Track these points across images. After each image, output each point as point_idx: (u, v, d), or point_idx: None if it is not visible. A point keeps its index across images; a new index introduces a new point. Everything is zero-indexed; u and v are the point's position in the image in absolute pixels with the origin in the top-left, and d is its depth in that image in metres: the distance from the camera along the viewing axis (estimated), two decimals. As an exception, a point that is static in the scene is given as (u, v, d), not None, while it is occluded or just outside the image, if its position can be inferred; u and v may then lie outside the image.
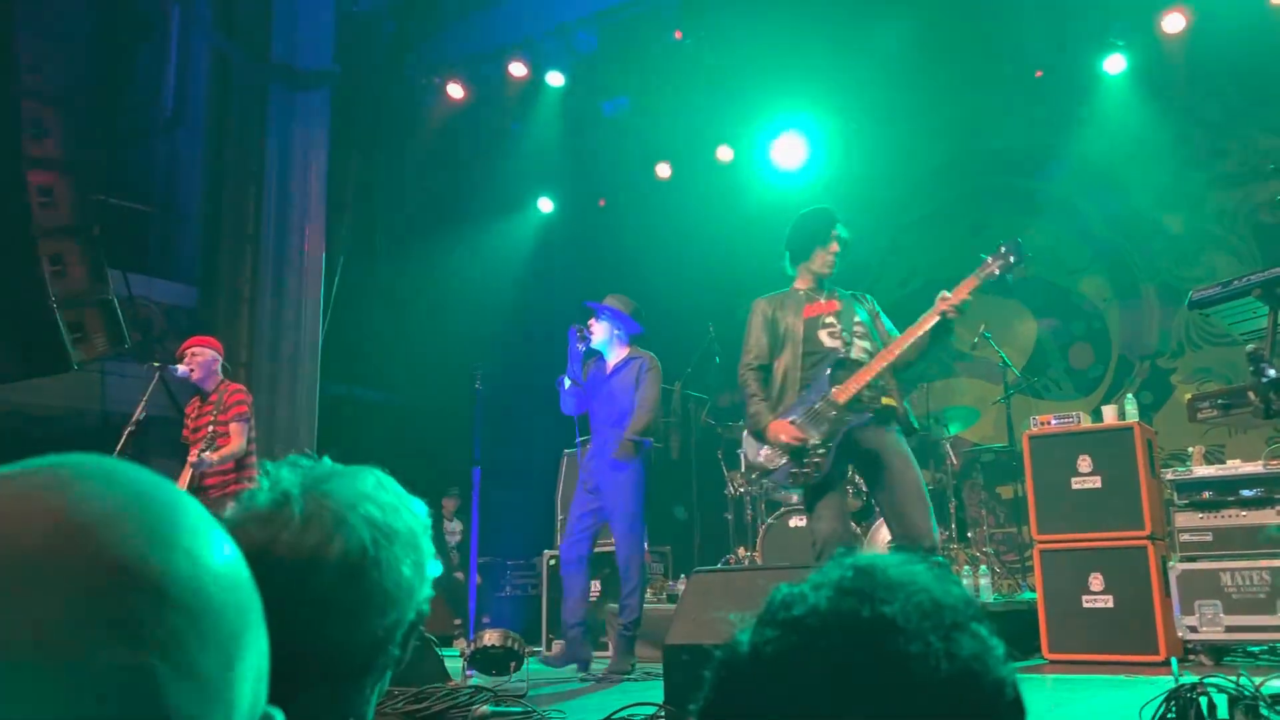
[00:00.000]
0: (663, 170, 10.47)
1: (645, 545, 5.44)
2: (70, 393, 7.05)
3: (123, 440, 5.09)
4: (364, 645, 1.02)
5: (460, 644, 5.25)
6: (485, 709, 3.08)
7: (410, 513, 1.08)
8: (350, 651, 1.01)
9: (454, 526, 9.31)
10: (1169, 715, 2.27)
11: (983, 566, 6.42)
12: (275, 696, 1.00)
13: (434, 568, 1.10)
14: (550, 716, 3.07)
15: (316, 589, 0.98)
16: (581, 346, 5.43)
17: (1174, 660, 2.27)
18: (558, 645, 6.89)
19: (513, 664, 3.82)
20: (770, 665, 0.66)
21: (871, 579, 0.68)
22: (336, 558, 0.99)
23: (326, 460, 1.12)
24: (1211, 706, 2.23)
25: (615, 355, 5.69)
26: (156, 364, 5.53)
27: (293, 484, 1.05)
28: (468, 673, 3.97)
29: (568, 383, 5.40)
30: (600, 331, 5.58)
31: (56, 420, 7.38)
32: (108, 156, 7.57)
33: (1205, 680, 2.24)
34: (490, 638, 3.95)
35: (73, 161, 6.85)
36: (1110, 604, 5.22)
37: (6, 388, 5.98)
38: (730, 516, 7.33)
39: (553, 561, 7.21)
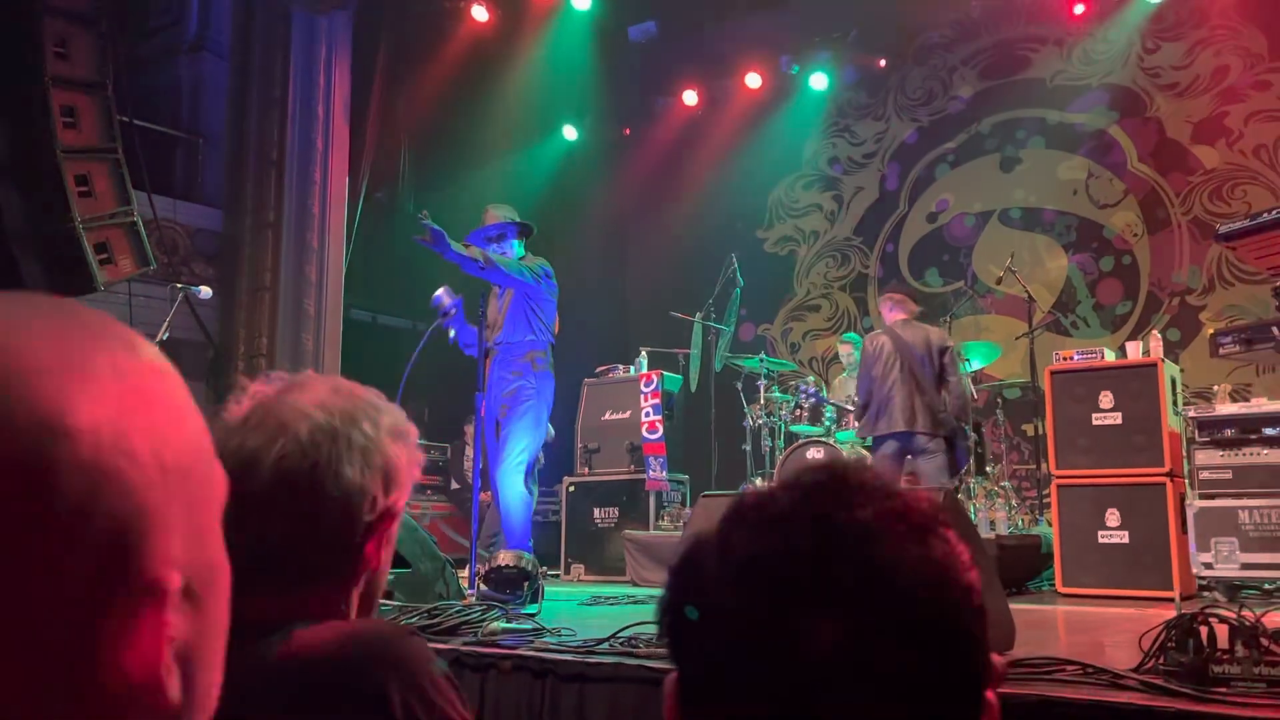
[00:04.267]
0: (689, 98, 10.33)
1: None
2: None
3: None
4: (312, 543, 1.05)
5: (481, 566, 5.35)
6: (496, 625, 3.14)
7: (368, 419, 1.10)
8: (297, 550, 1.05)
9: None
10: (1169, 644, 2.28)
11: (999, 501, 6.43)
12: (234, 596, 1.03)
13: (401, 470, 1.12)
14: (559, 634, 3.12)
15: (256, 488, 1.03)
16: (451, 317, 5.36)
17: (1178, 592, 2.27)
18: (577, 569, 7.01)
19: (526, 584, 3.89)
20: (741, 566, 0.65)
21: (845, 482, 0.67)
22: (274, 458, 1.05)
23: (309, 373, 1.15)
24: (1212, 636, 2.24)
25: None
26: (179, 285, 5.57)
27: (256, 395, 1.09)
28: (479, 590, 4.05)
29: (451, 332, 5.32)
30: (502, 253, 5.50)
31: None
32: (133, 79, 7.55)
33: (1206, 610, 2.24)
34: (504, 558, 4.02)
35: (98, 82, 6.85)
36: (1126, 539, 5.21)
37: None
38: (748, 448, 7.37)
39: (572, 488, 7.30)
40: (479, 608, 3.37)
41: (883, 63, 9.66)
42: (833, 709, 0.60)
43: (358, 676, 0.98)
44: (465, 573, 4.61)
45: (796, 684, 0.60)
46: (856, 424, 6.74)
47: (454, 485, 9.46)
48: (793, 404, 7.21)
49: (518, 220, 5.56)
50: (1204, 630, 2.21)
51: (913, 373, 6.03)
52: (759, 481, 7.23)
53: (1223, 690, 2.07)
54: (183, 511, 0.51)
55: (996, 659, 0.78)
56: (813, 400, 7.01)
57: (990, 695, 0.65)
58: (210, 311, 7.92)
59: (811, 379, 7.25)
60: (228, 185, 8.67)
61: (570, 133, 10.74)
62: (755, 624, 0.62)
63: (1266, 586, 4.98)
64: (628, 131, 10.96)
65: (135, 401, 0.50)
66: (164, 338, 5.36)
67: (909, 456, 6.19)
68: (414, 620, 3.27)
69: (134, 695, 0.48)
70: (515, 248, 5.55)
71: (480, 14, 9.10)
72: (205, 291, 5.89)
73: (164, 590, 0.49)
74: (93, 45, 6.93)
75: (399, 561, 3.59)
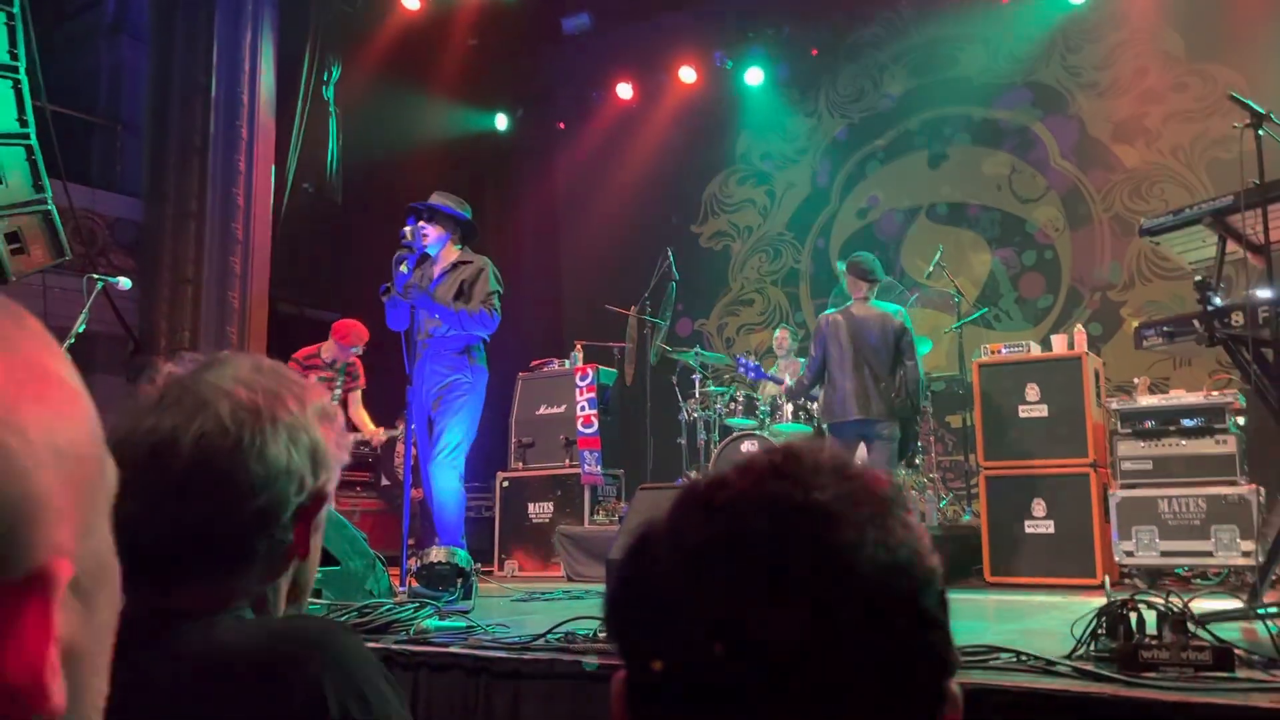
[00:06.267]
0: (624, 91, 10.30)
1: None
2: (10, 306, 6.86)
3: (62, 354, 4.95)
4: (236, 528, 1.00)
5: (413, 562, 5.27)
6: (428, 623, 3.08)
7: (294, 396, 1.04)
8: (220, 535, 0.99)
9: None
10: (1099, 631, 2.32)
11: (928, 492, 6.52)
12: (151, 584, 0.98)
13: (329, 452, 1.07)
14: (493, 630, 3.07)
15: (174, 470, 0.97)
16: (411, 245, 5.06)
17: (1106, 579, 2.31)
18: (511, 565, 6.94)
19: (458, 580, 3.83)
20: (693, 554, 0.62)
21: (800, 464, 0.64)
22: (192, 437, 0.98)
23: (227, 352, 1.09)
24: (1141, 622, 2.28)
25: (445, 258, 5.27)
26: (96, 276, 5.36)
27: (172, 374, 1.03)
28: (404, 589, 3.98)
29: (390, 292, 5.03)
30: (434, 232, 5.16)
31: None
32: (48, 62, 7.26)
33: (1136, 597, 2.28)
34: (436, 554, 3.95)
35: (8, 65, 6.58)
36: (1051, 529, 5.34)
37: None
38: (683, 441, 7.37)
39: (506, 483, 7.23)
40: (410, 605, 3.31)
41: (815, 51, 9.73)
42: (793, 704, 0.57)
43: (291, 675, 0.92)
44: (397, 569, 4.53)
45: (754, 678, 0.57)
46: (784, 398, 6.61)
47: (384, 481, 9.31)
48: (727, 397, 7.23)
49: (457, 213, 5.37)
50: (1134, 616, 2.26)
51: (867, 358, 5.75)
52: (694, 475, 7.23)
53: (1152, 675, 2.11)
54: (74, 500, 0.47)
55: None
56: (752, 375, 6.84)
57: (952, 686, 0.63)
58: (130, 304, 7.67)
59: (748, 361, 7.04)
60: (148, 173, 8.39)
61: (501, 121, 10.64)
62: (709, 616, 0.59)
63: (1180, 573, 5.14)
64: (562, 125, 10.88)
65: (26, 376, 0.45)
66: (80, 330, 5.17)
67: (866, 443, 5.96)
68: (344, 618, 3.20)
69: (14, 698, 0.44)
70: (442, 238, 5.32)
71: (411, 2, 8.95)
72: (124, 283, 5.68)
73: (53, 582, 0.45)
74: (4, 26, 6.66)
75: (327, 558, 3.50)
